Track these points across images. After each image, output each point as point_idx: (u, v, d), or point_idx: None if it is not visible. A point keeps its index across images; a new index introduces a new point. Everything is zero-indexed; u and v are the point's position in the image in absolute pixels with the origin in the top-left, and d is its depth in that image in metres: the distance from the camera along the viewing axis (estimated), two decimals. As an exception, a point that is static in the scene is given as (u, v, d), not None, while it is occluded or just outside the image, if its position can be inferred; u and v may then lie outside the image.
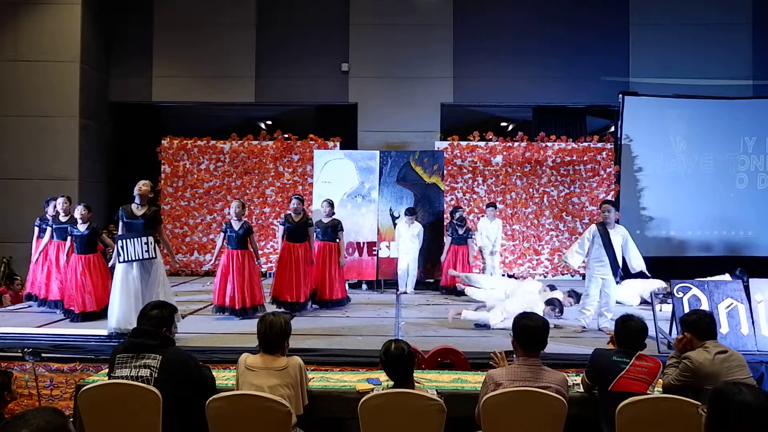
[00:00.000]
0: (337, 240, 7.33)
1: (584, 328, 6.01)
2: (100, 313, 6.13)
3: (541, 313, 6.14)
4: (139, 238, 5.41)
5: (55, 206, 7.03)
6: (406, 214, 8.77)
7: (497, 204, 9.65)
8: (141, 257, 5.39)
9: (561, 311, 6.52)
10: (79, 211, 6.54)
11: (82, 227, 6.50)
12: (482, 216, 9.53)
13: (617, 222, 6.18)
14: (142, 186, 5.68)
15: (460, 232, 8.57)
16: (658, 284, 7.34)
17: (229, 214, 6.92)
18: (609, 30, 11.10)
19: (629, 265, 6.03)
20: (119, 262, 5.40)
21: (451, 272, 8.13)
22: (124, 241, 5.39)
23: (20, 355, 4.84)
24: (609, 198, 10.45)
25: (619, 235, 5.98)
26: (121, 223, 5.61)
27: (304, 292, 6.91)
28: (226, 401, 2.92)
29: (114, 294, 5.43)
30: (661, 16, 11.03)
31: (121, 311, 5.32)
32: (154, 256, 5.46)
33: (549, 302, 6.51)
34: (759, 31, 10.99)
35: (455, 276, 7.98)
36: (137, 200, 5.63)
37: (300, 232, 6.89)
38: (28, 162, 10.13)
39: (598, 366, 3.27)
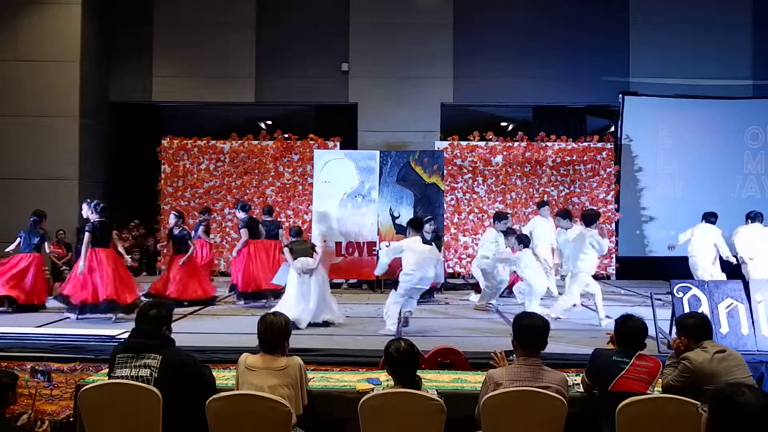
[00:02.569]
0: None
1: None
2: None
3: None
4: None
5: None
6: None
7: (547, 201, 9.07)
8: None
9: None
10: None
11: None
12: (536, 216, 8.64)
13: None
14: None
15: None
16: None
17: (203, 218, 8.55)
18: (609, 30, 11.11)
19: None
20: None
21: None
22: None
23: (20, 355, 4.85)
24: (609, 197, 10.48)
25: None
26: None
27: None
28: (226, 401, 2.92)
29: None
30: (661, 16, 11.04)
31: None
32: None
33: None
34: (759, 31, 11.01)
35: None
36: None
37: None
38: (29, 162, 10.15)
39: (598, 366, 3.27)
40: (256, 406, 2.90)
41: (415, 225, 6.13)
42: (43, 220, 7.27)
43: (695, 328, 3.38)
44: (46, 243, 7.24)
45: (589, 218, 6.40)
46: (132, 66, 11.17)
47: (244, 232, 7.56)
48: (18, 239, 7.06)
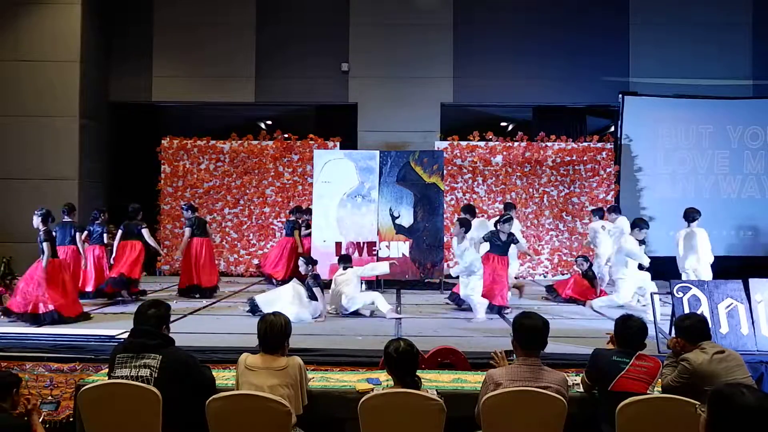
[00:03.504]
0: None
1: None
2: None
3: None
4: None
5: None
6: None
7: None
8: None
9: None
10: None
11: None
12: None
13: None
14: None
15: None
16: None
17: (295, 218, 9.25)
18: (609, 30, 11.09)
19: None
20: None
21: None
22: None
23: (20, 355, 4.85)
24: (609, 197, 10.47)
25: None
26: None
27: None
28: (226, 401, 2.92)
29: None
30: (661, 16, 11.02)
31: None
32: None
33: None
34: (759, 31, 10.99)
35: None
36: None
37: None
38: (29, 162, 10.14)
39: (598, 366, 3.27)
40: (256, 406, 2.90)
41: (345, 259, 7.31)
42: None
43: (691, 330, 3.39)
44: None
45: (691, 216, 6.86)
46: (132, 66, 11.15)
47: (187, 231, 8.06)
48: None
